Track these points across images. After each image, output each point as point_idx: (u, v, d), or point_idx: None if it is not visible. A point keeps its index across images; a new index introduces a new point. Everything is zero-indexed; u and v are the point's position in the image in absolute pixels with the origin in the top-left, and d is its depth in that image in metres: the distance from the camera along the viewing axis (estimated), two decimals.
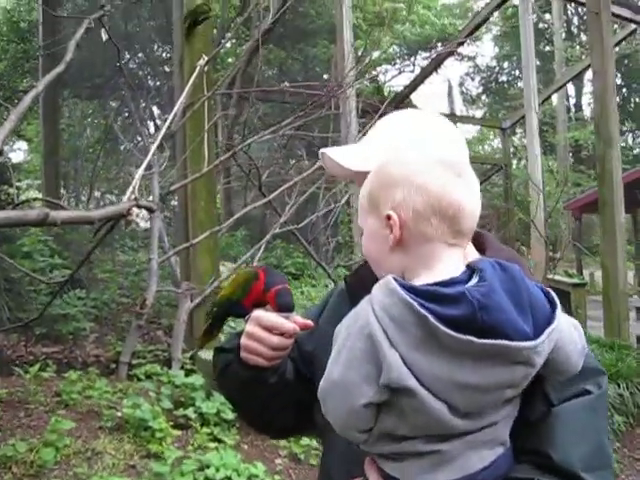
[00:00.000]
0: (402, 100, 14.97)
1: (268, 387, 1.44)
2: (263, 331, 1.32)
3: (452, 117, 18.31)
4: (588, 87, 31.70)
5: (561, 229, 15.83)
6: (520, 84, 27.28)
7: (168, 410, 4.98)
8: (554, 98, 24.72)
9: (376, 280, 1.26)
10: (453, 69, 37.87)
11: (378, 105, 11.28)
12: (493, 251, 1.32)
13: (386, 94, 14.85)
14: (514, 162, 19.24)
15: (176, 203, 9.73)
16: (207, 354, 5.46)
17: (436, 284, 1.06)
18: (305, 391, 1.44)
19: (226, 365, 1.47)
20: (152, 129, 16.70)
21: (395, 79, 24.49)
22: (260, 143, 8.24)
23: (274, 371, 1.43)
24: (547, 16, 29.24)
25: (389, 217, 1.13)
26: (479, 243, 1.35)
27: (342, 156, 1.38)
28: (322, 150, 1.43)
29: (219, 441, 4.84)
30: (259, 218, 16.54)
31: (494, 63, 34.85)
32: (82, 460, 4.19)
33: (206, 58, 6.50)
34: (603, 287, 8.46)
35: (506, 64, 34.36)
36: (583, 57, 22.65)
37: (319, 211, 8.05)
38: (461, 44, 15.21)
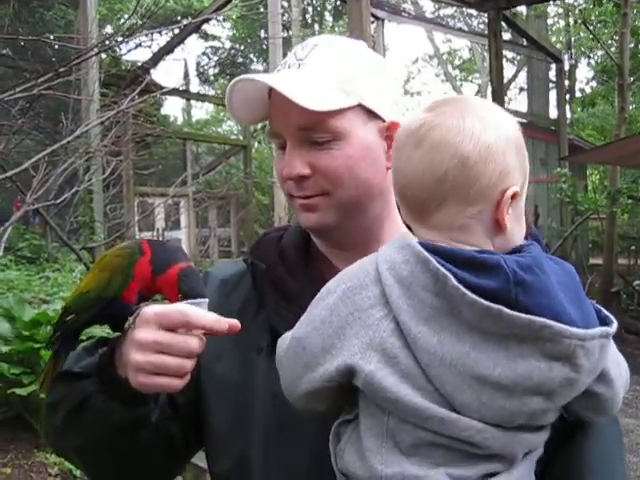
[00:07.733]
0: (141, 75, 14.27)
1: (148, 430, 0.99)
2: (170, 334, 0.85)
3: (196, 95, 18.12)
4: None
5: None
6: (254, 67, 27.91)
7: None
8: None
9: (280, 258, 1.08)
10: (190, 48, 37.57)
11: (118, 77, 10.67)
12: None
13: (124, 67, 14.02)
14: (255, 144, 19.44)
15: None
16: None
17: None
18: (182, 427, 1.06)
19: (80, 403, 0.96)
20: None
21: (133, 53, 23.50)
22: None
23: (155, 403, 0.99)
24: (284, 4, 30.16)
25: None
26: None
27: (296, 92, 0.96)
28: (246, 77, 1.01)
29: None
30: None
31: (228, 45, 35.04)
32: None
33: None
34: None
35: (242, 47, 34.77)
36: None
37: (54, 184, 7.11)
38: (206, 21, 14.91)
